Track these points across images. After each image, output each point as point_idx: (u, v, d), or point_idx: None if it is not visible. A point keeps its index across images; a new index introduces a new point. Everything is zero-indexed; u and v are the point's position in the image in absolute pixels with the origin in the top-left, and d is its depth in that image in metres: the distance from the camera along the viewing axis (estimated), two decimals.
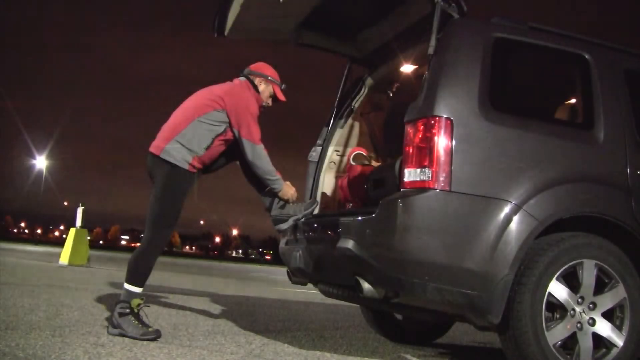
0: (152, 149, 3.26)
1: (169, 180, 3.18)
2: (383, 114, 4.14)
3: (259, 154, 3.28)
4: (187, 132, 3.21)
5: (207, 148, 3.26)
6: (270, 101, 3.53)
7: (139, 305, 3.09)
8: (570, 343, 2.61)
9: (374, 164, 3.43)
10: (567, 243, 2.63)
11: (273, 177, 3.36)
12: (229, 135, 3.32)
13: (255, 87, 3.45)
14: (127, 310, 3.05)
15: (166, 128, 3.29)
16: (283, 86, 3.53)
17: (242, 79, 3.48)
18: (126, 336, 2.99)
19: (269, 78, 3.49)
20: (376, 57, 3.97)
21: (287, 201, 3.44)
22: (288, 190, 3.42)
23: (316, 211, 3.95)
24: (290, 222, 3.43)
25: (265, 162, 3.31)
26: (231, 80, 3.51)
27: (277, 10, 3.56)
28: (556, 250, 2.60)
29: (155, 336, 3.03)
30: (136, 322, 3.04)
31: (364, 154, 3.33)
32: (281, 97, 3.53)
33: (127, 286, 3.13)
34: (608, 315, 2.67)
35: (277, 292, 9.25)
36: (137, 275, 3.14)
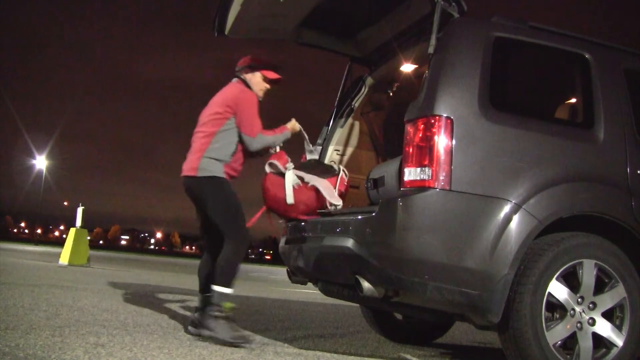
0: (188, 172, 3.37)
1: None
2: (383, 114, 4.14)
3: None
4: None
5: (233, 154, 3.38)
6: (264, 86, 3.54)
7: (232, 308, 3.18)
8: (570, 343, 2.61)
9: (374, 163, 3.43)
10: (567, 243, 2.63)
11: (279, 140, 3.52)
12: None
13: (246, 82, 3.51)
14: (222, 314, 3.11)
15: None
16: (272, 66, 3.56)
17: (234, 80, 3.57)
18: (216, 338, 3.04)
19: (251, 65, 3.54)
20: (376, 56, 3.97)
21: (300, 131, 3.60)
22: (293, 125, 3.59)
23: None
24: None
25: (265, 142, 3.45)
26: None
27: (278, 9, 3.57)
28: (556, 250, 2.59)
29: (246, 342, 3.10)
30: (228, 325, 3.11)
31: (276, 163, 3.39)
32: (274, 76, 3.56)
33: (217, 288, 3.17)
34: (608, 315, 2.66)
35: (277, 292, 9.25)
36: (226, 276, 3.21)
